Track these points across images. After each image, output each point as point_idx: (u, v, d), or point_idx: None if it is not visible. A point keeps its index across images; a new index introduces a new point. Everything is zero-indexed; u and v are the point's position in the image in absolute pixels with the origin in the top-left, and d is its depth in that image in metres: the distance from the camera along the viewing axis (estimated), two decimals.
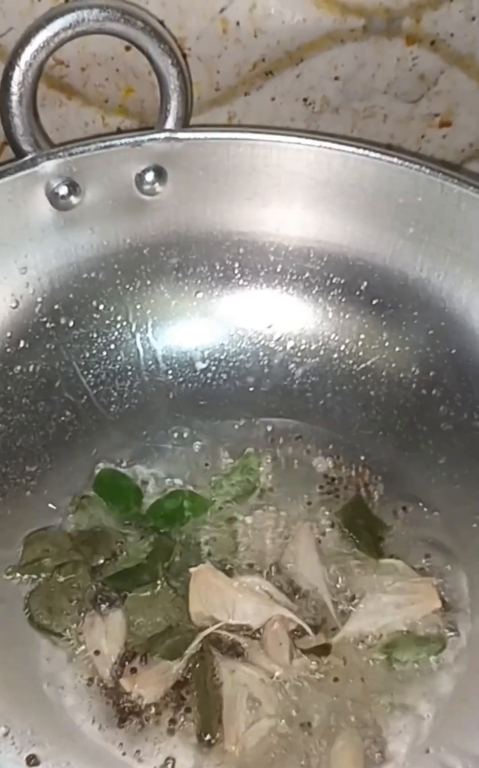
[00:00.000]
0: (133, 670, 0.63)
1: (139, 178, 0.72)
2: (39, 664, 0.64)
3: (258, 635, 0.64)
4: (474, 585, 0.68)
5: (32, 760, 0.58)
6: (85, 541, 0.69)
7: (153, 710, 0.62)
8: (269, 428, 0.76)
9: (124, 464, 0.74)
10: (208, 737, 0.61)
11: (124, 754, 0.60)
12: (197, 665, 0.63)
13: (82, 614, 0.66)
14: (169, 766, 0.60)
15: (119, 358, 0.76)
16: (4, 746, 0.58)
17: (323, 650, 0.64)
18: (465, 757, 0.59)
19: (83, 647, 0.65)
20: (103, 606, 0.66)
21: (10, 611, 0.66)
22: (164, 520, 0.70)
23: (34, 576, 0.67)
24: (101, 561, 0.68)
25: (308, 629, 0.64)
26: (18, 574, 0.67)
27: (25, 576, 0.67)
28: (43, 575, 0.67)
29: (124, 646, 0.64)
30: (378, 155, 0.71)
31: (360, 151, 0.71)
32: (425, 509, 0.72)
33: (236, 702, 0.61)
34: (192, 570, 0.65)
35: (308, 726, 0.61)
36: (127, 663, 0.63)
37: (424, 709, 0.62)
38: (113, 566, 0.68)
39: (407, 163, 0.70)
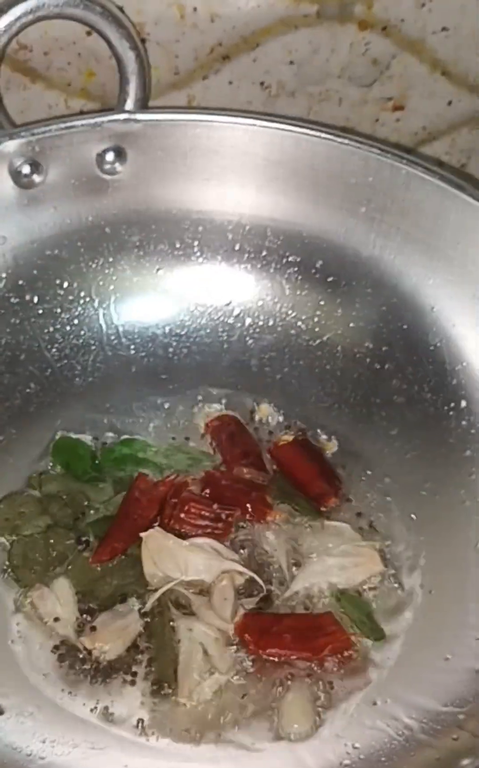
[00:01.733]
0: (93, 629, 0.65)
1: (100, 158, 0.74)
2: (7, 624, 0.66)
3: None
4: (419, 546, 0.70)
5: None
6: (53, 503, 0.71)
7: (112, 666, 0.64)
8: (225, 401, 0.79)
9: (88, 436, 0.76)
10: (164, 690, 0.63)
11: (83, 704, 0.63)
12: (156, 621, 0.66)
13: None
14: (129, 718, 0.62)
15: (82, 332, 0.78)
16: None
17: (265, 603, 0.67)
18: (410, 708, 0.62)
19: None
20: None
21: None
22: (114, 464, 0.73)
23: (6, 537, 0.69)
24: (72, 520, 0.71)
25: (257, 578, 0.67)
26: None
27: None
28: (15, 536, 0.69)
29: (77, 607, 0.67)
30: (329, 136, 0.73)
31: (312, 132, 0.74)
32: (376, 478, 0.75)
33: (191, 658, 0.64)
34: (142, 534, 0.68)
35: (259, 680, 0.64)
36: (85, 622, 0.66)
37: (372, 662, 0.65)
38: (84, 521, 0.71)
39: (357, 144, 0.73)
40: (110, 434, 0.76)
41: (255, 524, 0.71)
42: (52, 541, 0.69)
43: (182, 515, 0.70)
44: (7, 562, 0.68)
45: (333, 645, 0.65)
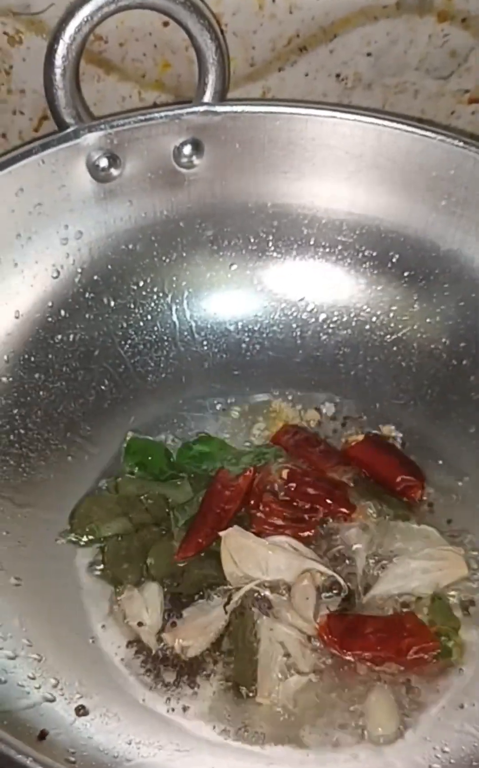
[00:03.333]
0: (173, 624, 0.65)
1: (177, 151, 0.73)
2: (89, 624, 0.66)
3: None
4: None
5: (81, 710, 0.60)
6: (134, 506, 0.71)
7: (193, 664, 0.64)
8: (302, 399, 0.78)
9: (161, 436, 0.75)
10: (243, 690, 0.63)
11: (166, 704, 0.62)
12: (237, 621, 0.65)
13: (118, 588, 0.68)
14: (210, 718, 0.61)
15: (156, 328, 0.77)
16: (54, 696, 0.60)
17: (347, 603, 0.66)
18: None
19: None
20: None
21: (62, 573, 0.67)
22: (192, 461, 0.72)
23: (87, 538, 0.69)
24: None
25: (339, 578, 0.66)
26: (72, 537, 0.69)
27: (81, 539, 0.69)
28: (92, 537, 0.69)
29: (162, 613, 0.66)
30: (411, 128, 0.72)
31: (394, 124, 0.73)
32: (455, 476, 0.74)
33: (272, 658, 0.63)
34: (221, 534, 0.67)
35: (340, 682, 0.63)
36: (166, 618, 0.65)
37: (461, 665, 0.64)
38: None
39: (440, 137, 0.72)
40: (183, 431, 0.76)
41: (338, 523, 0.70)
42: (146, 543, 0.69)
43: (261, 515, 0.70)
44: (102, 563, 0.68)
45: (419, 646, 0.64)
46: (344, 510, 0.70)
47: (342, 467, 0.73)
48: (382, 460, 0.73)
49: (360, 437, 0.76)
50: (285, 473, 0.71)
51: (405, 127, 0.72)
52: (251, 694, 0.63)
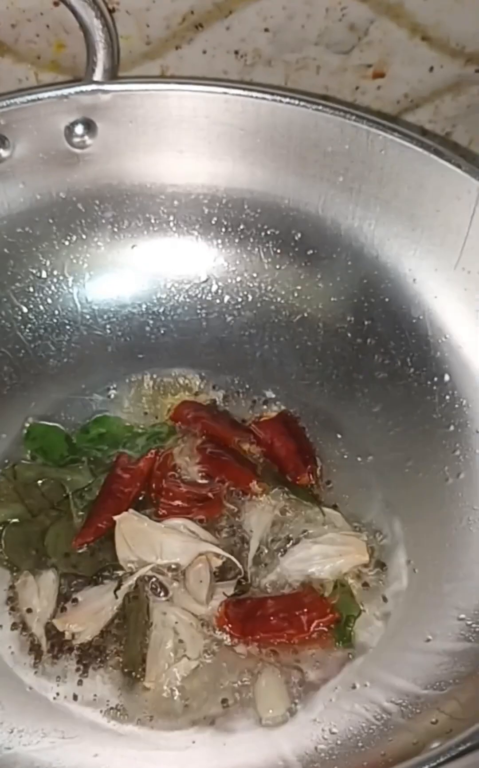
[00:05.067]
0: (64, 610, 0.64)
1: (69, 131, 0.72)
2: None
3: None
4: (403, 524, 0.68)
5: None
6: (30, 491, 0.70)
7: (83, 650, 0.63)
8: (207, 380, 0.77)
9: (62, 418, 0.74)
10: (133, 675, 0.62)
11: (52, 689, 0.61)
12: (130, 605, 0.64)
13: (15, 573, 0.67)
14: (98, 704, 0.60)
15: (56, 312, 0.76)
16: None
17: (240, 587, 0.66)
18: (390, 692, 0.60)
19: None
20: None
21: None
22: (91, 443, 0.71)
23: None
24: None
25: (235, 560, 0.65)
26: None
27: None
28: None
29: (56, 600, 0.65)
30: (305, 103, 0.71)
31: (287, 99, 0.71)
32: (359, 456, 0.73)
33: (162, 643, 0.63)
34: (116, 517, 0.66)
35: (231, 666, 0.62)
36: (59, 604, 0.64)
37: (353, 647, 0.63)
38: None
39: (332, 111, 0.70)
40: (86, 416, 0.74)
41: (242, 503, 0.69)
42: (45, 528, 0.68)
43: (163, 499, 0.69)
44: None
45: (319, 620, 0.63)
46: (245, 480, 0.69)
47: (247, 439, 0.72)
48: (282, 441, 0.72)
49: (273, 414, 0.75)
50: (186, 449, 0.70)
51: (297, 102, 0.71)
52: (140, 679, 0.62)
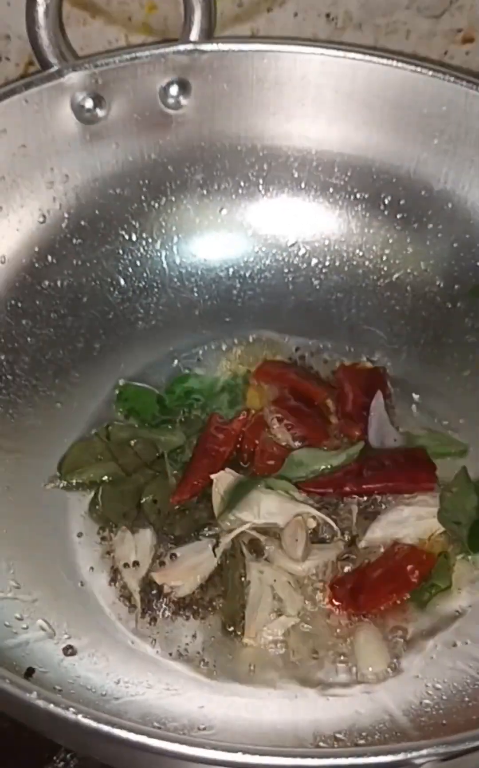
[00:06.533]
0: (162, 564, 0.64)
1: (164, 92, 0.72)
2: (77, 567, 0.65)
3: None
4: None
5: (69, 650, 0.59)
6: (124, 450, 0.70)
7: (182, 605, 0.63)
8: (292, 344, 0.77)
9: (152, 380, 0.74)
10: (232, 631, 0.62)
11: (153, 644, 0.62)
12: (228, 562, 0.64)
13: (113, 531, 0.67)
14: (199, 658, 0.61)
15: (145, 275, 0.77)
16: (42, 636, 0.59)
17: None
18: None
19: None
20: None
21: (53, 517, 0.67)
22: (179, 401, 0.72)
23: (76, 482, 0.68)
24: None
25: (331, 522, 0.65)
26: (61, 482, 0.68)
27: (71, 483, 0.68)
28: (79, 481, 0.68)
29: (152, 556, 0.65)
30: (401, 64, 0.71)
31: (384, 60, 0.71)
32: (448, 421, 0.72)
33: (260, 600, 0.63)
34: (213, 476, 0.67)
35: (329, 623, 0.63)
36: (156, 560, 0.65)
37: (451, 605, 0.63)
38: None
39: (431, 72, 0.70)
40: (173, 377, 0.75)
41: None
42: (140, 486, 0.68)
43: (257, 460, 0.69)
44: (96, 507, 0.67)
45: (421, 569, 0.64)
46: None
47: (333, 395, 0.72)
48: (355, 389, 0.72)
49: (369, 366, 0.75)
50: (273, 408, 0.71)
51: (394, 63, 0.71)
52: (239, 634, 0.62)
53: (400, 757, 0.47)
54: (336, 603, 0.63)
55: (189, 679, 0.60)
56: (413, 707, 0.58)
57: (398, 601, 0.63)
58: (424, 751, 0.47)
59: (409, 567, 0.64)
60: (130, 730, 0.47)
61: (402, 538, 0.66)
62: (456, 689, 0.59)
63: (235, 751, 0.47)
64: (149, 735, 0.47)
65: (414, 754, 0.47)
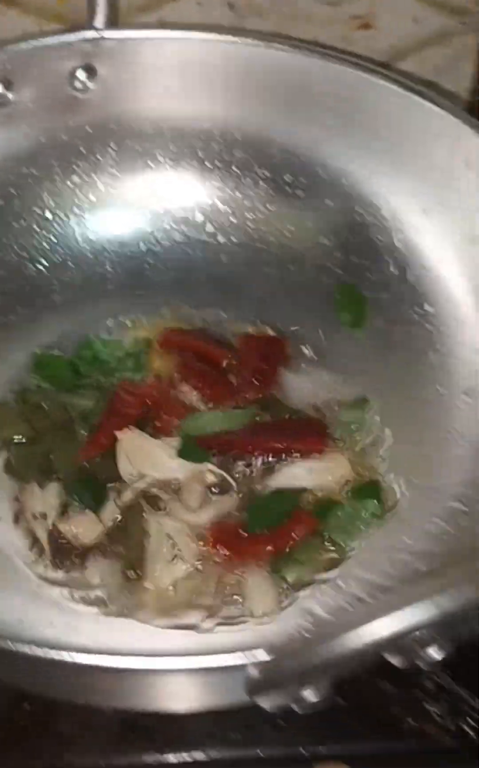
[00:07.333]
0: (67, 515, 0.69)
1: (71, 76, 0.76)
2: None
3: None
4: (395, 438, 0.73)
5: None
6: (35, 413, 0.74)
7: (85, 552, 0.68)
8: (200, 315, 0.81)
9: (67, 349, 0.78)
10: (132, 574, 0.67)
11: (60, 585, 0.66)
12: (129, 514, 0.69)
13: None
14: (97, 599, 0.66)
15: (60, 250, 0.81)
16: None
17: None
18: (370, 587, 0.65)
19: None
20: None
21: None
22: (90, 366, 0.76)
23: None
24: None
25: (226, 476, 0.70)
26: None
27: None
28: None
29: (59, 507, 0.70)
30: (296, 50, 0.76)
31: (280, 46, 0.76)
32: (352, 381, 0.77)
33: (159, 548, 0.67)
34: (117, 434, 0.71)
35: (223, 569, 0.67)
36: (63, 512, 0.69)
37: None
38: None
39: (322, 55, 0.75)
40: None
41: None
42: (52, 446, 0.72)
43: (164, 416, 0.73)
44: (8, 465, 0.72)
45: (298, 529, 0.68)
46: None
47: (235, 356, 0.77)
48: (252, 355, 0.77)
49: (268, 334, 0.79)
50: (181, 371, 0.75)
51: (289, 48, 0.76)
52: (140, 579, 0.66)
53: None
54: (215, 545, 0.67)
55: (90, 618, 0.64)
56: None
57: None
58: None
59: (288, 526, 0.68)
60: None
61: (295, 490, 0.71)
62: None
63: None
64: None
65: None
